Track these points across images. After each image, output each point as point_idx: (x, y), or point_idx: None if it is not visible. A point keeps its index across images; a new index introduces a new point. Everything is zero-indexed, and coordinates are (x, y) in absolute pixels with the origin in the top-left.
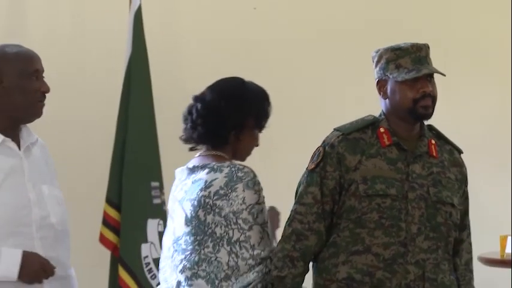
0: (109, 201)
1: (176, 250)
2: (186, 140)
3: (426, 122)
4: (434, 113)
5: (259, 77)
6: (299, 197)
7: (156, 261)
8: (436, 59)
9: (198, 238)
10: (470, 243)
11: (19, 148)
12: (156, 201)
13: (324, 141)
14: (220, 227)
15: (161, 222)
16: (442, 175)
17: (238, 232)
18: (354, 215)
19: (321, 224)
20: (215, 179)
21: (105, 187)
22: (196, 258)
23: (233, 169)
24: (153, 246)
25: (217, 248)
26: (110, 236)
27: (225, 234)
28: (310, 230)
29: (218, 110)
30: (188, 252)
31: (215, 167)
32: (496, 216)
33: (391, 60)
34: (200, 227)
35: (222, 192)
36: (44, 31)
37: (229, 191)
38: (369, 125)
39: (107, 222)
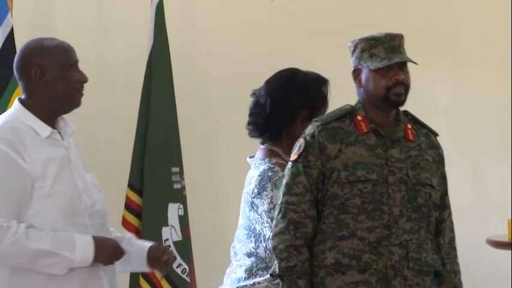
0: (131, 186)
1: (236, 237)
2: (250, 135)
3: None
4: (443, 99)
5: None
6: (287, 188)
7: (176, 244)
8: (442, 48)
9: (245, 232)
10: (451, 222)
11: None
12: (177, 186)
13: (304, 133)
14: (258, 224)
15: (181, 206)
16: (420, 158)
17: (269, 230)
18: (337, 202)
19: (315, 210)
20: (253, 177)
21: (127, 173)
22: (245, 251)
23: (266, 168)
24: (174, 229)
25: (257, 243)
26: (132, 219)
27: (261, 231)
28: (308, 217)
29: (265, 106)
30: (241, 243)
31: (257, 163)
32: (505, 200)
33: (365, 50)
34: (247, 221)
35: (256, 190)
36: (70, 27)
37: (261, 190)
38: (346, 114)
39: (129, 206)
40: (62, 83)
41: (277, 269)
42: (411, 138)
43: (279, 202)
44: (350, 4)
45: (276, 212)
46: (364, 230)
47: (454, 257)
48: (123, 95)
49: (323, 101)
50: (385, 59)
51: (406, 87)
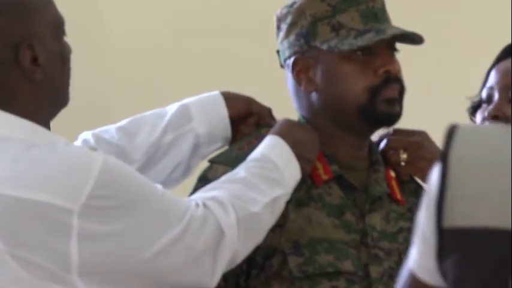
0: None
1: None
2: None
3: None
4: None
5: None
6: None
7: None
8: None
9: None
10: None
11: None
12: None
13: (204, 177)
14: None
15: None
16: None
17: None
18: None
19: None
20: None
21: None
22: None
23: None
24: None
25: None
26: None
27: None
28: None
29: None
30: None
31: None
32: None
33: (321, 18)
34: None
35: None
36: None
37: None
38: None
39: None
40: (60, 64)
41: None
42: (398, 197)
43: None
44: None
45: None
46: None
47: None
48: None
49: None
50: (367, 31)
51: (402, 86)
